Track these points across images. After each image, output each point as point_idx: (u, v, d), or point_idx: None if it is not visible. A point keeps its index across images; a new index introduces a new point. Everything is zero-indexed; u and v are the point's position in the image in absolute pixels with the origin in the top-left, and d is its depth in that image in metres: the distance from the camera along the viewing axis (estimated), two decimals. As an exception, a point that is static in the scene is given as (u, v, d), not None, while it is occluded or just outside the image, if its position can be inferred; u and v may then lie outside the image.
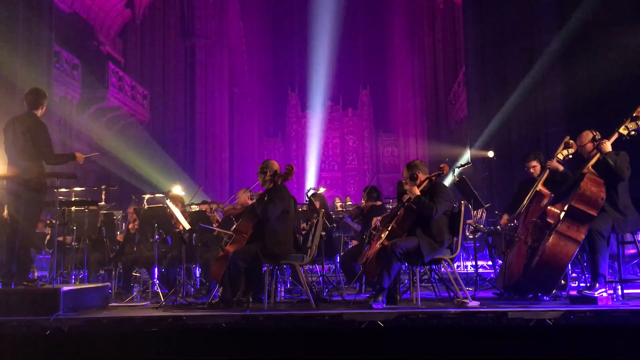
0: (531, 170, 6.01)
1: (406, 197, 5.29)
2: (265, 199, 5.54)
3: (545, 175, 5.63)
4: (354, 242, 8.28)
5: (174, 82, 24.34)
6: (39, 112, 5.68)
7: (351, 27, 34.85)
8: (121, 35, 23.01)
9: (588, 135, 5.25)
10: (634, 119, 4.98)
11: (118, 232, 8.61)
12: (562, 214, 4.91)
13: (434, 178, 5.34)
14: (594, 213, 4.78)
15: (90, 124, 18.79)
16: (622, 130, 4.99)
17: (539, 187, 5.56)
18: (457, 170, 7.51)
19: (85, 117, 18.66)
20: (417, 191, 5.20)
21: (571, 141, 5.60)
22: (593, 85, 9.09)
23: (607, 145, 4.99)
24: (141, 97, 22.00)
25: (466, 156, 16.46)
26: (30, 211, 5.54)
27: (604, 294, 4.70)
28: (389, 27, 33.49)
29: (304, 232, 6.82)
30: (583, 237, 4.80)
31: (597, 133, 5.21)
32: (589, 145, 5.21)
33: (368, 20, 35.24)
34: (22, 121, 5.54)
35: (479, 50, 14.18)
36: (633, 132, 4.98)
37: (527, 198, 5.64)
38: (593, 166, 5.01)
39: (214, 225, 7.46)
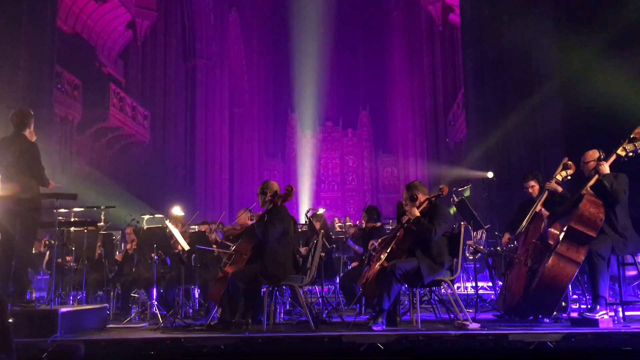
0: (529, 190, 6.03)
1: (406, 218, 5.29)
2: (265, 219, 5.54)
3: (545, 196, 5.63)
4: (354, 264, 8.24)
5: (175, 103, 24.43)
6: (27, 132, 5.59)
7: (351, 49, 35.14)
8: (122, 56, 23.16)
9: (594, 153, 5.21)
10: (631, 140, 5.00)
11: (117, 252, 8.58)
12: (562, 235, 4.90)
13: (433, 199, 5.34)
14: (592, 234, 4.78)
15: (91, 144, 18.84)
16: (620, 152, 5.01)
17: (538, 207, 5.56)
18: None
19: (85, 137, 18.72)
20: (417, 212, 5.20)
21: (570, 162, 5.60)
22: (592, 108, 9.15)
23: (605, 168, 5.00)
24: (142, 118, 22.06)
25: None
26: (28, 230, 5.52)
27: (605, 316, 4.67)
28: (389, 48, 33.71)
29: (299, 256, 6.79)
30: (582, 258, 4.79)
31: (603, 153, 5.20)
32: (592, 164, 5.17)
33: (368, 41, 35.51)
34: (16, 143, 5.46)
35: (477, 72, 14.25)
36: (631, 154, 5.00)
37: (526, 219, 5.64)
38: (592, 187, 5.01)
39: (213, 246, 7.43)
